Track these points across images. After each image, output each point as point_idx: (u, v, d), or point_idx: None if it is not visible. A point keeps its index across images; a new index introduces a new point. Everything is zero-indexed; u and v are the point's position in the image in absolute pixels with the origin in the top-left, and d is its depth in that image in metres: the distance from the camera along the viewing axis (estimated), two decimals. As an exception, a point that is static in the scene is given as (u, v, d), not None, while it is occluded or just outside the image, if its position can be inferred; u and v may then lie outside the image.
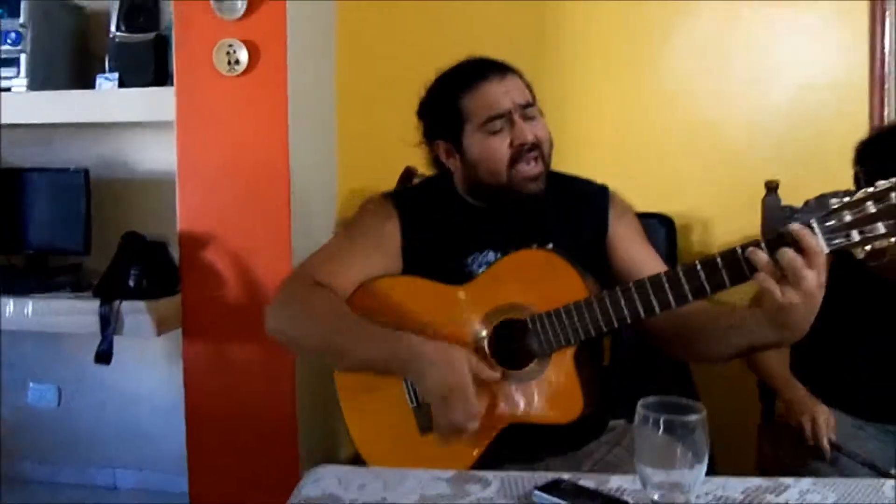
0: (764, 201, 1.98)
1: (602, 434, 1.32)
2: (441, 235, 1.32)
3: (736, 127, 2.17)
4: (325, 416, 2.20)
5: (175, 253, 2.02)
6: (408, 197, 1.39)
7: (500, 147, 1.26)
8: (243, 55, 1.90)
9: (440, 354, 1.14)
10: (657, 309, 1.10)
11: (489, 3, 2.22)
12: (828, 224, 0.99)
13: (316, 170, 2.12)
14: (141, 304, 1.89)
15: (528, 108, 1.29)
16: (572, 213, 1.34)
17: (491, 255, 1.29)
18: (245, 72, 1.91)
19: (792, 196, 1.99)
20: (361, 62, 2.27)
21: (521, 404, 1.19)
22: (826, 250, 0.98)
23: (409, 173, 2.07)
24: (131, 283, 1.90)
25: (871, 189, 0.98)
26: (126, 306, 1.88)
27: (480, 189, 1.32)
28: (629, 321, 1.12)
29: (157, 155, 2.25)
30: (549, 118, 1.34)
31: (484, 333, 1.21)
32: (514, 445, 1.21)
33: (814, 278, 0.98)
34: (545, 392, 1.18)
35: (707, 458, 0.77)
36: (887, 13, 2.09)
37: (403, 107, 2.22)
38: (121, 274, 1.92)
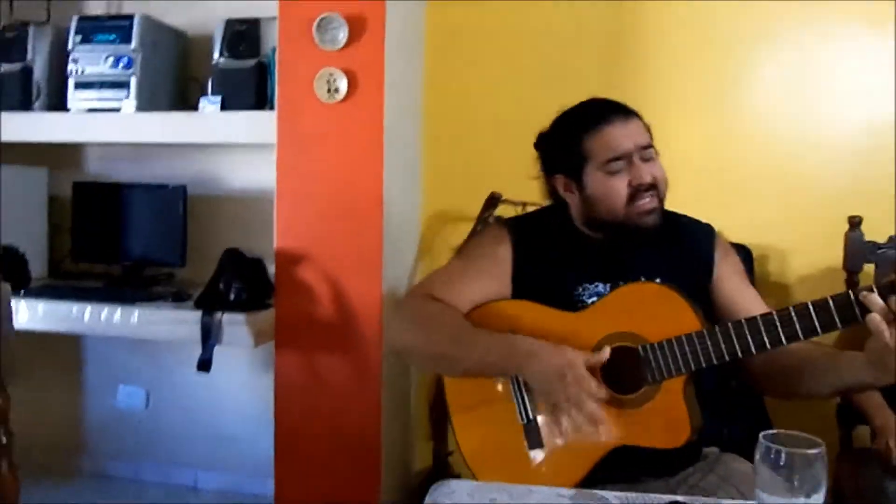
0: (847, 236, 2.05)
1: (697, 461, 1.40)
2: (553, 264, 1.41)
3: (814, 161, 2.25)
4: (405, 431, 2.33)
5: (270, 268, 2.17)
6: (522, 224, 1.49)
7: (620, 186, 1.36)
8: (343, 84, 2.04)
9: (552, 348, 1.25)
10: (768, 345, 1.19)
11: (571, 45, 2.34)
12: None
13: (403, 193, 2.24)
14: (240, 317, 2.03)
15: (647, 150, 1.38)
16: (680, 251, 1.43)
17: (601, 287, 1.38)
18: (344, 99, 2.05)
19: (871, 231, 2.06)
20: (446, 91, 2.40)
21: (630, 428, 1.28)
22: None
23: (493, 198, 2.19)
24: (231, 296, 2.04)
25: None
26: (226, 318, 2.03)
27: (596, 223, 1.41)
28: (740, 356, 1.21)
29: (251, 174, 2.41)
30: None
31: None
32: (616, 467, 1.30)
33: None
34: (654, 418, 1.27)
35: (824, 489, 0.86)
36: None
37: (486, 133, 2.38)
38: (221, 287, 2.06)
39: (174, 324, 2.09)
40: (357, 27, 2.03)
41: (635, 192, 1.36)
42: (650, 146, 1.40)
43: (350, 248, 2.08)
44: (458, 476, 2.29)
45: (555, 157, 1.46)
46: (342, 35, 2.02)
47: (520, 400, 1.34)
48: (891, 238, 2.02)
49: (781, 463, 0.86)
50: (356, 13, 2.02)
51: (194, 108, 2.29)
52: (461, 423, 1.41)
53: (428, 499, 1.06)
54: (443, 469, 2.25)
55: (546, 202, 1.53)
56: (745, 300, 1.43)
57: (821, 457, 0.85)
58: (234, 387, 2.48)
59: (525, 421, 1.34)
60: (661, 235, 1.41)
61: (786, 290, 2.29)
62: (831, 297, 1.16)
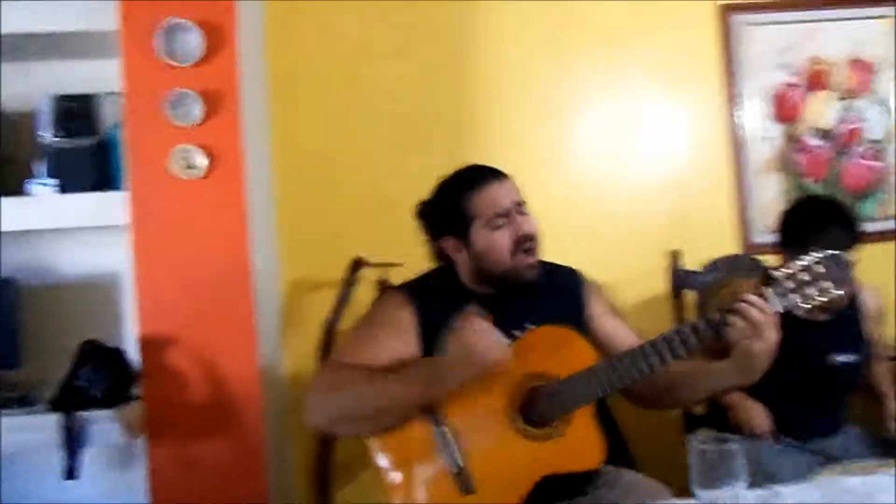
0: (670, 267, 2.44)
1: (599, 479, 1.61)
2: (451, 320, 1.57)
3: (634, 204, 2.65)
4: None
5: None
6: (418, 288, 1.65)
7: (504, 239, 1.57)
8: (200, 160, 2.06)
9: (455, 347, 1.42)
10: (660, 366, 1.44)
11: (418, 109, 2.57)
12: (778, 291, 1.38)
13: (265, 264, 2.28)
14: (106, 413, 1.94)
15: (522, 206, 1.62)
16: (556, 296, 1.66)
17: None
18: (203, 176, 2.07)
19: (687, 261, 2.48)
20: (298, 157, 2.50)
21: (552, 458, 1.46)
22: (779, 310, 1.38)
23: (358, 263, 2.31)
24: (95, 392, 1.95)
25: (801, 262, 1.38)
26: (91, 416, 1.92)
27: (485, 277, 1.61)
28: (640, 378, 1.45)
29: (91, 260, 2.32)
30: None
31: (516, 401, 1.48)
32: (541, 497, 1.47)
33: (773, 333, 1.37)
34: (572, 445, 1.48)
35: (745, 475, 1.09)
36: (737, 98, 2.68)
37: (341, 197, 2.50)
38: (81, 383, 1.96)
39: (26, 432, 1.94)
40: (212, 101, 2.07)
41: (518, 243, 1.57)
42: (524, 202, 1.63)
43: (221, 327, 2.08)
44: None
45: (442, 220, 1.64)
46: (197, 111, 2.06)
47: (447, 449, 1.47)
48: (704, 266, 2.44)
49: (711, 459, 1.08)
50: (210, 87, 2.07)
51: (17, 191, 2.17)
52: (391, 484, 1.51)
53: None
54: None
55: (417, 266, 1.72)
56: (618, 332, 1.69)
57: (740, 450, 1.09)
58: (91, 490, 2.30)
59: (456, 469, 1.46)
60: (540, 283, 1.63)
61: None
62: (701, 319, 1.44)
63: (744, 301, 1.40)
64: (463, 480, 1.46)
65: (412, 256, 2.04)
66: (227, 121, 2.09)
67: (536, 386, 1.50)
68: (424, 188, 1.70)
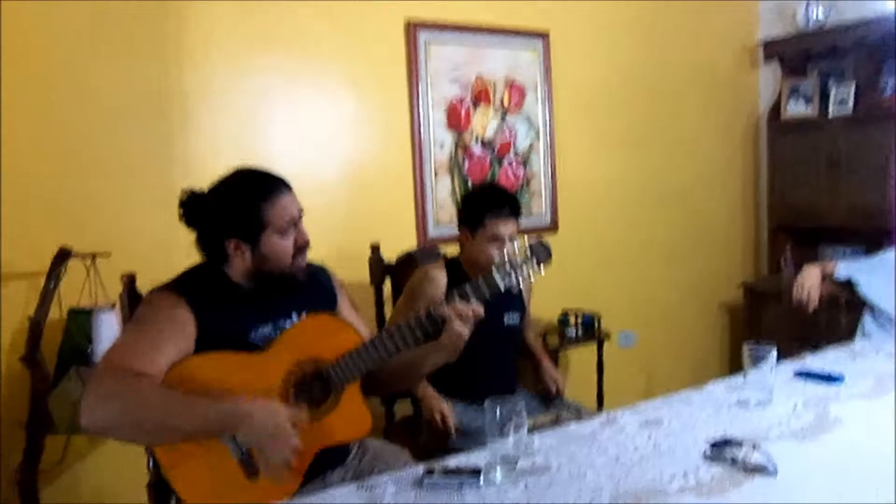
0: (370, 259, 2.78)
1: (351, 449, 1.89)
2: (228, 316, 1.71)
3: (340, 200, 2.98)
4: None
5: None
6: (188, 285, 1.73)
7: (290, 246, 1.76)
8: None
9: (260, 407, 1.57)
10: (402, 350, 1.75)
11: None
12: (500, 273, 1.75)
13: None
14: None
15: (302, 214, 1.81)
16: (315, 289, 1.89)
17: (267, 329, 1.75)
18: None
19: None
20: None
21: (327, 432, 1.72)
22: (502, 290, 1.76)
23: (64, 253, 2.21)
24: None
25: (514, 248, 1.77)
26: None
27: (263, 276, 1.76)
28: (390, 358, 1.75)
29: None
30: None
31: (290, 384, 1.69)
32: (316, 469, 1.72)
33: (472, 324, 1.76)
34: (343, 417, 1.74)
35: (525, 426, 1.48)
36: (419, 107, 3.16)
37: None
38: None
39: None
40: None
41: (299, 250, 1.79)
42: (303, 211, 1.81)
43: None
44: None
45: (229, 222, 1.74)
46: None
47: (232, 440, 1.61)
48: (398, 257, 2.83)
49: (500, 413, 1.46)
50: None
51: None
52: (178, 476, 1.62)
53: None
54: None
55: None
56: (357, 324, 1.97)
57: (523, 406, 1.48)
58: None
59: (239, 455, 1.62)
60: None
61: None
62: (427, 311, 1.75)
63: (458, 307, 1.73)
64: (248, 465, 1.61)
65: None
66: None
67: (310, 369, 1.72)
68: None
